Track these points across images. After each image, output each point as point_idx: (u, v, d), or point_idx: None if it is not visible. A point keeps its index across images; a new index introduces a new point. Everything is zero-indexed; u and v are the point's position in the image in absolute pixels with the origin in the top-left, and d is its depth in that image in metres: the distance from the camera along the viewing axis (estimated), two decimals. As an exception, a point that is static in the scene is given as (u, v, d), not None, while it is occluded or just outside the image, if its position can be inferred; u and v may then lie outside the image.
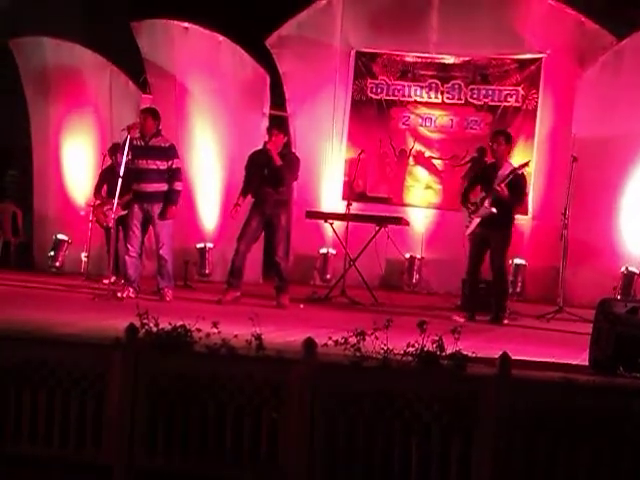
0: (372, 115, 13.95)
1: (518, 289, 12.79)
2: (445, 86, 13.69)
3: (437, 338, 6.15)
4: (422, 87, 13.78)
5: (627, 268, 12.28)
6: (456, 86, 13.65)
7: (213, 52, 13.82)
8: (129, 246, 10.95)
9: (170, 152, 11.03)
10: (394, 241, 12.66)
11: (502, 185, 10.41)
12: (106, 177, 12.47)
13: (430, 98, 13.76)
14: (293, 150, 12.45)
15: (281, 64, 13.92)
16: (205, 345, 6.32)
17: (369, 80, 13.96)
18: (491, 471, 5.78)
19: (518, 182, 10.63)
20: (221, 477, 6.14)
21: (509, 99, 13.42)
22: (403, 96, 13.88)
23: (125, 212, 11.31)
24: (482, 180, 10.74)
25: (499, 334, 9.61)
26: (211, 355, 6.22)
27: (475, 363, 6.25)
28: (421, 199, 13.79)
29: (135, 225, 10.97)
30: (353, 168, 13.17)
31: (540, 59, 13.23)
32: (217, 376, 6.16)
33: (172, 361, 6.28)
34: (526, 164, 11.16)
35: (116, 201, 10.83)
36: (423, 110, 13.79)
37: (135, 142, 10.82)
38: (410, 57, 13.81)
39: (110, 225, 12.08)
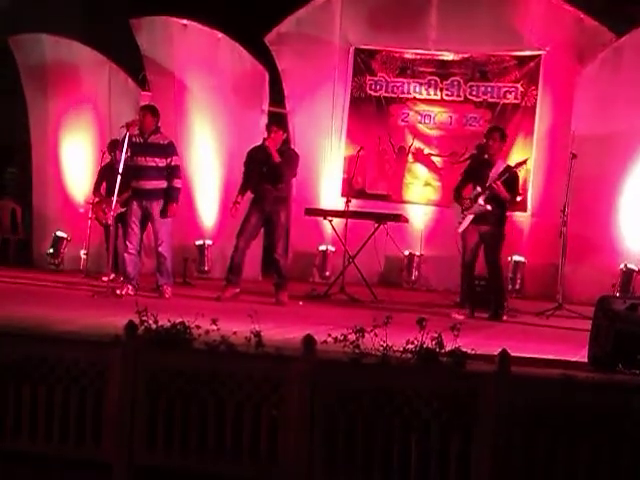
0: (371, 112, 13.94)
1: (517, 286, 12.79)
2: (444, 83, 13.68)
3: (436, 335, 6.15)
4: (421, 84, 13.77)
5: (626, 265, 12.28)
6: (455, 83, 13.64)
7: (212, 49, 13.82)
8: (128, 243, 10.96)
9: (169, 149, 11.03)
10: (393, 238, 12.66)
11: (498, 182, 10.42)
12: (105, 174, 12.48)
13: (429, 95, 13.75)
14: (292, 147, 12.43)
15: (280, 61, 13.91)
16: (204, 342, 6.32)
17: (368, 77, 13.95)
18: (490, 468, 5.78)
19: (513, 180, 10.66)
20: (221, 474, 6.15)
21: (508, 96, 13.41)
22: (402, 93, 13.87)
23: (124, 209, 11.31)
24: (475, 177, 10.74)
25: (498, 331, 9.61)
26: (210, 352, 6.22)
27: (474, 360, 6.26)
28: (420, 196, 13.78)
29: (134, 222, 10.97)
30: (352, 165, 13.18)
31: (539, 56, 13.21)
32: (216, 373, 6.16)
33: (171, 358, 6.28)
34: (524, 162, 11.16)
35: (115, 198, 10.83)
36: (422, 107, 13.78)
37: (134, 139, 10.82)
38: (409, 54, 13.79)
39: (109, 222, 12.08)
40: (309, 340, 6.09)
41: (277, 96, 14.04)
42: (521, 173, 12.64)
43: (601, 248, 12.45)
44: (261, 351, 6.26)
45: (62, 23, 15.80)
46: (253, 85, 13.74)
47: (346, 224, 12.22)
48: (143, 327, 6.37)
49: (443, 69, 13.68)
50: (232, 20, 14.39)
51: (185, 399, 6.17)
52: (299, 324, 8.57)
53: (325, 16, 13.83)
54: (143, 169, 10.89)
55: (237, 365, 6.19)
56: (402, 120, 13.86)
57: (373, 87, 13.96)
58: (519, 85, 13.35)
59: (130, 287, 10.78)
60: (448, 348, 6.12)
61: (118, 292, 10.57)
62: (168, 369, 6.23)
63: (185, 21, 13.82)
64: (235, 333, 6.40)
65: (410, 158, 13.84)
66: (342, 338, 6.20)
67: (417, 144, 13.80)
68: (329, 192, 13.86)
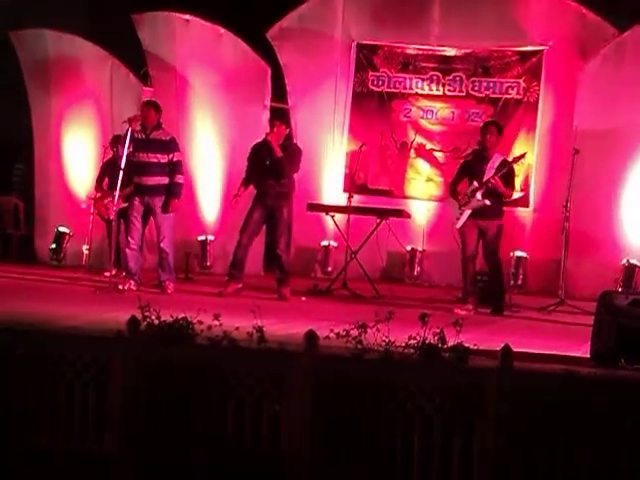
0: (373, 107, 13.92)
1: (519, 281, 12.77)
2: (446, 78, 13.66)
3: (439, 330, 6.16)
4: (423, 79, 13.75)
5: (628, 260, 12.27)
6: (457, 78, 13.63)
7: (214, 44, 13.80)
8: (129, 239, 10.96)
9: (171, 145, 11.03)
10: (395, 233, 12.65)
11: (497, 177, 10.42)
12: (107, 170, 12.48)
13: (431, 90, 13.73)
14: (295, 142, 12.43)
15: (282, 56, 13.89)
16: (207, 337, 6.33)
17: (370, 72, 13.93)
18: (493, 463, 5.79)
19: (510, 174, 10.66)
20: (221, 468, 6.15)
21: (510, 91, 13.39)
22: (404, 88, 13.85)
23: (126, 205, 11.30)
24: (470, 171, 10.74)
25: (501, 326, 9.61)
26: (213, 347, 6.23)
27: (477, 355, 6.26)
28: (422, 191, 13.77)
29: (135, 218, 10.98)
30: (354, 161, 13.17)
31: (541, 51, 13.20)
32: (219, 368, 6.17)
33: (174, 353, 6.28)
34: (522, 156, 11.15)
35: (117, 194, 10.83)
36: (424, 102, 13.77)
37: (136, 135, 10.83)
38: (411, 49, 13.77)
39: (111, 218, 12.07)
40: (311, 335, 6.10)
41: (279, 91, 14.03)
42: (523, 168, 12.72)
43: (603, 243, 12.43)
44: (263, 346, 6.27)
45: (64, 18, 15.77)
46: (255, 80, 13.72)
47: (348, 219, 12.22)
48: (146, 322, 6.38)
49: (445, 64, 13.66)
50: (234, 15, 14.37)
51: (187, 394, 6.18)
52: (301, 319, 8.57)
53: (327, 11, 13.81)
54: (145, 165, 10.90)
55: (239, 360, 6.20)
56: (404, 115, 13.85)
57: (375, 82, 13.94)
58: (521, 81, 13.34)
59: (132, 282, 10.78)
60: (450, 343, 6.13)
61: (120, 287, 10.58)
62: (170, 364, 6.24)
63: (187, 16, 13.80)
64: (237, 328, 6.41)
65: (412, 153, 13.83)
66: (344, 333, 6.21)
67: (419, 139, 13.79)
68: (331, 187, 13.85)
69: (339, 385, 6.01)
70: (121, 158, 10.68)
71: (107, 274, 11.14)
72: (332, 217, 12.76)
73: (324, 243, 13.66)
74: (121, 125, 11.26)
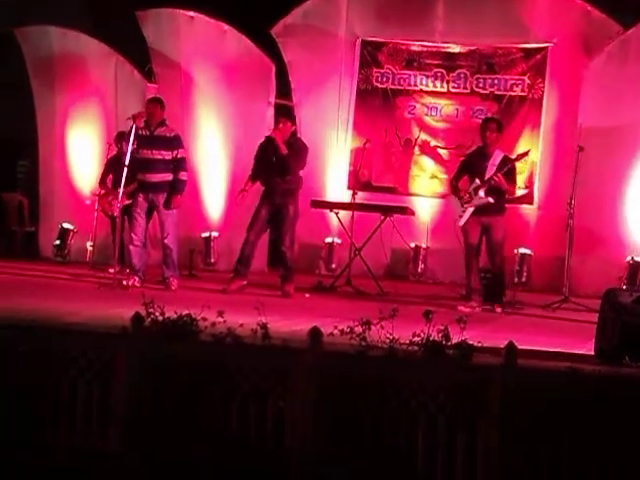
0: (377, 104, 13.91)
1: (523, 279, 12.76)
2: (451, 75, 13.65)
3: (443, 328, 6.16)
4: (428, 76, 13.74)
5: (633, 258, 12.25)
6: (462, 75, 13.61)
7: (218, 41, 13.79)
8: (133, 235, 10.98)
9: (175, 142, 11.05)
10: (399, 230, 12.65)
11: (499, 175, 10.41)
12: (111, 167, 12.49)
13: (436, 87, 13.72)
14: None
15: (286, 53, 13.88)
16: (211, 334, 6.33)
17: (375, 69, 13.92)
18: (497, 461, 5.79)
19: (512, 171, 10.66)
20: (227, 464, 6.15)
21: (515, 88, 13.38)
22: (409, 85, 13.84)
23: (130, 201, 11.32)
24: (471, 168, 10.73)
25: (505, 324, 9.61)
26: (217, 344, 6.23)
27: (481, 353, 6.27)
28: (426, 188, 13.76)
29: (139, 214, 10.99)
30: (358, 157, 13.17)
31: (546, 48, 13.18)
32: (223, 365, 6.17)
33: (178, 350, 6.29)
34: (526, 153, 11.14)
35: (121, 190, 10.84)
36: (429, 99, 13.76)
37: (140, 132, 10.84)
38: (416, 46, 13.76)
39: (115, 214, 12.08)
40: (315, 332, 6.11)
41: (283, 88, 14.02)
42: (527, 165, 12.71)
43: (608, 241, 12.42)
44: (267, 343, 6.27)
45: (69, 15, 15.81)
46: (259, 77, 13.72)
47: (352, 216, 12.22)
48: (150, 319, 6.39)
49: (450, 61, 13.65)
50: (238, 12, 14.37)
51: (192, 390, 6.19)
52: (305, 316, 8.57)
53: (332, 8, 13.80)
54: (149, 162, 10.91)
55: (243, 357, 6.20)
56: (408, 112, 13.84)
57: (379, 79, 13.93)
58: (526, 77, 13.32)
59: (136, 279, 10.80)
60: (454, 341, 6.12)
61: (124, 284, 10.59)
62: (175, 361, 6.24)
63: (191, 13, 13.80)
64: (241, 325, 6.42)
65: (416, 150, 13.82)
66: (348, 330, 6.21)
67: (423, 136, 13.78)
68: (335, 184, 13.85)
69: (343, 382, 6.01)
70: (125, 155, 10.69)
71: (111, 270, 11.15)
72: (336, 214, 12.77)
73: (328, 240, 13.65)
74: (125, 122, 11.27)
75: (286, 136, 10.99)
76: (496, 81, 13.48)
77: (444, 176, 13.57)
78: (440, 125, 13.75)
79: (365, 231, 12.30)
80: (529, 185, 13.07)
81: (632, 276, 12.12)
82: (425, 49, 13.73)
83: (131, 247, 10.98)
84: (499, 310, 10.46)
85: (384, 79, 13.91)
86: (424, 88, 13.76)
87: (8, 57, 15.41)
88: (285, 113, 11.80)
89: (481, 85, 13.54)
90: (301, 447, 5.99)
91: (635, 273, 12.17)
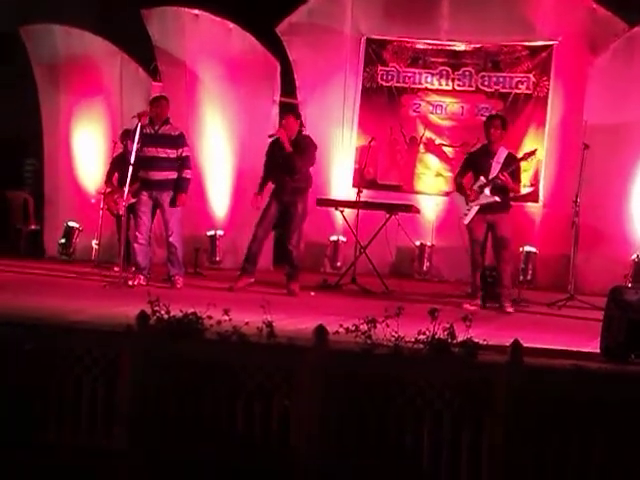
0: (383, 102, 13.91)
1: (529, 277, 12.74)
2: (456, 73, 13.63)
3: (448, 326, 6.16)
4: (433, 74, 13.72)
5: (638, 255, 12.22)
6: (467, 73, 13.60)
7: (223, 39, 13.79)
8: (137, 234, 10.98)
9: (179, 140, 11.05)
10: (404, 229, 12.64)
11: (505, 174, 10.40)
12: (117, 165, 12.48)
13: (441, 85, 13.71)
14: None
15: (291, 51, 13.88)
16: (216, 332, 6.33)
17: (380, 67, 13.91)
18: (502, 458, 5.78)
19: (517, 169, 10.65)
20: (232, 462, 6.16)
21: (520, 86, 13.37)
22: (414, 83, 13.83)
23: (136, 200, 11.31)
24: (475, 165, 10.72)
25: (510, 322, 9.61)
26: (222, 342, 6.23)
27: (486, 351, 6.26)
28: (431, 186, 13.75)
29: (143, 212, 10.99)
30: (364, 156, 13.16)
31: (551, 46, 13.16)
32: (228, 363, 6.17)
33: (183, 348, 6.29)
34: (533, 152, 11.12)
35: (127, 188, 10.84)
36: (434, 97, 13.74)
37: (145, 130, 10.84)
38: (421, 44, 13.75)
39: (121, 213, 12.07)
40: (321, 330, 6.10)
41: (288, 86, 14.01)
42: (532, 163, 12.68)
43: (613, 238, 12.41)
44: (273, 341, 6.27)
45: (74, 13, 15.80)
46: (264, 75, 13.71)
47: (357, 214, 12.22)
48: (155, 317, 6.39)
49: (455, 59, 13.64)
50: (243, 10, 14.35)
51: (197, 388, 6.19)
52: (311, 315, 8.56)
53: (336, 6, 13.80)
54: (154, 160, 10.90)
55: (249, 355, 6.20)
56: (414, 110, 13.83)
57: (385, 77, 13.92)
58: (531, 75, 13.31)
59: (142, 277, 10.80)
60: (460, 339, 6.12)
61: (130, 282, 10.59)
62: (180, 359, 6.24)
63: (196, 11, 13.79)
64: (247, 323, 6.42)
65: (421, 148, 13.81)
66: (354, 329, 6.21)
67: (428, 134, 13.77)
68: (340, 182, 13.84)
69: (348, 380, 6.02)
70: (131, 153, 10.70)
71: (116, 269, 11.15)
72: (341, 212, 12.76)
73: (333, 238, 13.65)
74: (130, 120, 11.28)
75: (292, 133, 10.97)
76: (501, 79, 13.47)
77: (449, 174, 13.56)
78: (445, 123, 13.75)
79: (370, 229, 12.29)
80: (534, 183, 13.05)
81: (638, 274, 12.09)
82: (430, 47, 13.72)
83: (136, 245, 10.98)
84: (509, 308, 10.41)
85: (389, 77, 13.90)
86: (429, 86, 13.75)
87: (13, 56, 15.41)
88: (290, 111, 11.77)
89: (486, 83, 13.53)
90: (306, 445, 5.99)
91: (640, 271, 12.16)
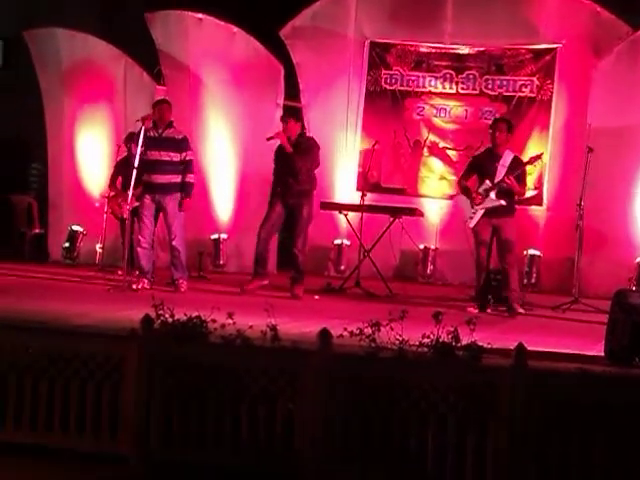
0: (386, 106, 13.91)
1: (533, 280, 12.75)
2: (459, 76, 13.64)
3: (452, 329, 6.15)
4: (436, 78, 13.73)
5: (642, 259, 12.25)
6: (471, 76, 13.60)
7: (227, 43, 13.80)
8: (140, 237, 10.98)
9: (183, 144, 11.05)
10: (408, 232, 12.65)
11: (511, 177, 10.39)
12: (121, 169, 12.49)
13: (444, 89, 13.71)
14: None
15: (295, 55, 13.89)
16: (220, 336, 6.33)
17: (383, 71, 13.92)
18: (506, 462, 5.78)
19: (523, 173, 10.65)
20: (237, 467, 6.15)
21: (524, 89, 13.36)
22: (417, 87, 13.83)
23: (139, 203, 11.32)
24: (481, 168, 10.71)
25: (514, 325, 9.60)
26: (227, 346, 6.23)
27: (491, 354, 6.25)
28: (435, 190, 13.75)
29: (146, 216, 11.00)
30: (367, 159, 13.17)
31: (555, 49, 13.16)
32: (233, 367, 6.17)
33: (188, 352, 6.29)
34: (539, 156, 11.11)
35: (131, 192, 10.84)
36: (437, 101, 13.75)
37: (149, 133, 10.85)
38: (424, 47, 13.75)
39: (125, 216, 12.09)
40: (325, 334, 6.10)
41: (292, 90, 14.02)
42: (537, 167, 12.66)
43: (617, 242, 12.40)
44: (277, 345, 6.27)
45: (77, 17, 15.83)
46: (268, 79, 13.72)
47: (361, 218, 12.22)
48: (159, 321, 6.39)
49: (458, 62, 13.64)
50: (247, 14, 14.38)
51: (201, 392, 6.18)
52: (315, 318, 8.56)
53: (340, 9, 13.80)
54: (157, 163, 10.91)
55: (253, 359, 6.20)
56: (417, 114, 13.83)
57: (388, 81, 13.92)
58: (535, 78, 13.31)
59: (146, 281, 10.80)
60: (464, 342, 6.11)
61: (134, 286, 10.59)
62: (184, 363, 6.24)
63: (200, 15, 13.81)
64: (251, 327, 6.41)
65: (425, 152, 13.81)
66: (358, 332, 6.20)
67: (432, 138, 13.77)
68: (344, 186, 13.84)
69: (353, 384, 6.01)
70: (134, 156, 10.70)
71: (120, 272, 11.15)
72: (345, 215, 12.77)
73: (337, 242, 13.65)
74: (134, 124, 11.27)
75: (292, 135, 10.97)
76: (505, 82, 13.47)
77: (453, 177, 13.55)
78: (449, 126, 13.74)
79: (374, 232, 12.30)
80: (538, 186, 13.04)
81: (642, 277, 12.10)
82: (434, 50, 13.72)
83: (139, 249, 10.98)
84: (519, 309, 10.38)
85: (393, 80, 13.91)
86: (433, 89, 13.75)
87: (17, 59, 15.43)
88: (290, 113, 11.74)
89: (490, 86, 13.53)
90: (310, 449, 5.99)
91: (645, 274, 12.14)
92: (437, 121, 13.78)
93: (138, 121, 10.91)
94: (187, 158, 11.03)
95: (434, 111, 13.77)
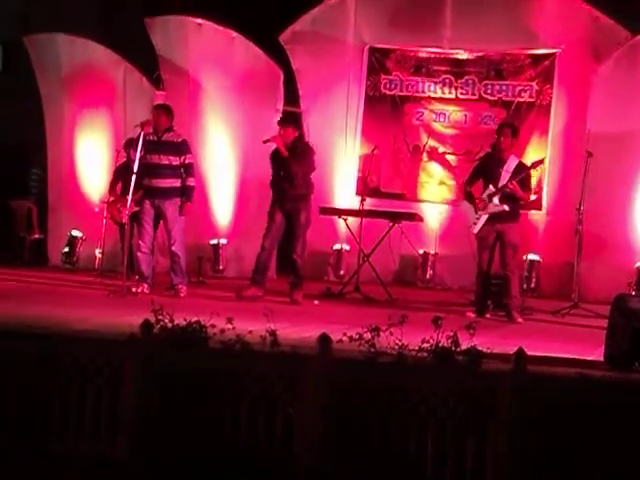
0: (386, 111, 13.91)
1: (532, 285, 12.73)
2: (459, 81, 13.63)
3: (452, 334, 6.15)
4: (436, 83, 13.73)
5: (642, 263, 12.24)
6: (470, 81, 13.60)
7: (227, 48, 13.80)
8: (140, 242, 10.99)
9: (182, 148, 11.06)
10: (408, 237, 12.65)
11: (514, 182, 10.39)
12: (120, 174, 12.48)
13: (444, 94, 13.71)
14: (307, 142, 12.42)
15: (294, 60, 13.89)
16: (220, 341, 6.33)
17: (383, 76, 13.92)
18: (506, 466, 5.77)
19: (527, 178, 10.64)
20: (236, 470, 6.15)
21: (523, 94, 13.36)
22: (417, 92, 13.83)
23: (138, 208, 11.32)
24: (485, 174, 10.70)
25: (514, 330, 9.60)
26: (226, 351, 6.23)
27: (490, 359, 6.26)
28: (435, 195, 13.75)
29: (146, 221, 11.00)
30: (367, 164, 13.17)
31: (554, 54, 13.16)
32: (232, 372, 6.17)
33: (187, 357, 6.29)
34: (541, 161, 11.11)
35: (130, 197, 10.85)
36: (437, 106, 13.75)
37: (148, 137, 10.86)
38: (424, 53, 13.76)
39: (124, 221, 12.09)
40: (325, 339, 6.10)
41: (291, 95, 14.02)
42: (537, 171, 12.66)
43: (617, 246, 12.40)
44: (277, 350, 6.26)
45: (77, 22, 15.84)
46: (267, 84, 13.72)
47: (361, 223, 12.22)
48: (159, 326, 6.39)
49: (458, 68, 13.64)
50: (246, 19, 14.38)
51: (201, 397, 6.18)
52: (314, 323, 8.57)
53: (340, 15, 13.80)
54: (157, 167, 10.92)
55: (252, 363, 6.20)
56: (417, 119, 13.83)
57: (388, 86, 13.93)
58: (534, 83, 13.31)
59: (145, 286, 10.80)
60: (464, 347, 6.11)
61: (133, 291, 10.59)
62: (184, 367, 6.24)
63: (199, 20, 13.81)
64: (251, 332, 6.42)
65: (425, 157, 13.81)
66: (357, 337, 6.21)
67: (432, 143, 13.77)
68: (344, 191, 13.84)
69: (352, 389, 6.01)
70: (134, 162, 10.70)
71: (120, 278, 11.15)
72: (345, 220, 12.77)
73: (337, 246, 13.64)
74: (134, 129, 11.29)
75: (288, 140, 10.96)
76: (504, 87, 13.47)
77: (452, 182, 13.57)
78: (448, 131, 13.74)
79: (374, 237, 12.30)
80: (538, 191, 13.02)
81: (641, 282, 12.09)
82: (433, 55, 13.72)
83: (139, 254, 10.99)
84: (519, 319, 10.37)
85: (392, 86, 13.91)
86: (432, 94, 13.75)
87: (16, 64, 15.44)
88: (286, 118, 11.72)
89: (489, 91, 13.53)
90: (310, 454, 5.98)
91: (644, 279, 12.14)
92: (436, 126, 13.78)
93: (137, 126, 10.92)
94: (187, 161, 11.03)
95: (433, 116, 13.77)
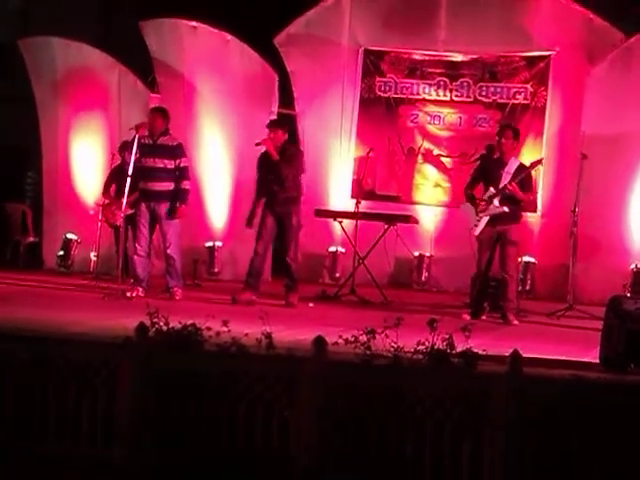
0: (381, 113, 13.91)
1: (528, 287, 12.75)
2: (454, 84, 13.65)
3: (447, 336, 6.15)
4: (430, 85, 13.74)
5: (637, 265, 12.24)
6: (465, 84, 13.62)
7: (221, 51, 13.81)
8: (137, 245, 10.98)
9: (178, 151, 11.05)
10: (403, 239, 12.66)
11: (514, 184, 10.38)
12: (115, 177, 12.49)
13: (439, 96, 13.72)
14: (301, 148, 12.43)
15: (289, 63, 13.89)
16: (215, 344, 6.32)
17: (377, 78, 13.93)
18: (502, 468, 5.77)
19: (527, 179, 10.64)
20: (232, 472, 6.15)
21: (518, 96, 13.38)
22: (411, 94, 13.84)
23: (133, 211, 11.31)
24: (486, 176, 10.70)
25: (509, 332, 9.60)
26: (221, 353, 6.22)
27: (486, 361, 6.26)
28: (430, 197, 13.76)
29: (143, 224, 10.99)
30: (362, 166, 13.17)
31: (549, 56, 13.18)
32: (228, 374, 6.16)
33: (183, 359, 6.28)
34: (539, 161, 11.11)
35: (125, 200, 10.85)
36: (432, 108, 13.76)
37: (143, 140, 10.85)
38: (418, 55, 13.77)
39: (119, 224, 12.08)
40: (320, 341, 6.10)
41: (286, 98, 14.03)
42: (534, 173, 12.66)
43: (612, 248, 12.42)
44: (272, 352, 6.26)
45: (71, 24, 15.83)
46: (262, 87, 13.73)
47: (356, 225, 12.22)
48: (154, 329, 6.38)
49: (452, 70, 13.65)
50: (241, 22, 14.38)
51: (196, 400, 6.18)
52: (310, 326, 8.56)
53: (334, 17, 13.81)
54: (152, 170, 10.91)
55: (248, 366, 6.20)
56: (411, 121, 13.84)
57: (382, 88, 13.93)
58: (529, 86, 13.33)
59: (140, 289, 10.79)
60: (459, 349, 6.11)
61: (128, 294, 10.58)
62: (179, 370, 6.23)
63: (194, 23, 13.82)
64: (246, 335, 6.41)
65: (420, 159, 13.82)
66: (353, 339, 6.20)
67: (427, 145, 13.78)
68: (339, 193, 13.85)
69: (348, 391, 6.01)
70: (129, 164, 10.70)
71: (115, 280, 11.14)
72: (340, 223, 12.77)
73: (332, 249, 13.65)
74: (128, 132, 11.29)
75: (278, 143, 10.94)
76: (499, 89, 13.49)
77: (447, 184, 13.59)
78: (443, 134, 13.75)
79: (369, 240, 12.30)
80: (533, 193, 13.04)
81: (636, 283, 12.09)
82: (428, 58, 13.73)
83: (135, 257, 10.98)
84: (514, 321, 10.37)
85: (387, 88, 13.92)
86: (427, 97, 13.76)
87: (12, 68, 15.43)
88: (274, 122, 11.69)
89: (484, 93, 13.55)
90: (306, 456, 5.98)
91: (639, 280, 12.14)
92: (431, 128, 13.79)
93: (132, 129, 10.92)
94: (182, 165, 11.02)
95: (428, 118, 13.78)
